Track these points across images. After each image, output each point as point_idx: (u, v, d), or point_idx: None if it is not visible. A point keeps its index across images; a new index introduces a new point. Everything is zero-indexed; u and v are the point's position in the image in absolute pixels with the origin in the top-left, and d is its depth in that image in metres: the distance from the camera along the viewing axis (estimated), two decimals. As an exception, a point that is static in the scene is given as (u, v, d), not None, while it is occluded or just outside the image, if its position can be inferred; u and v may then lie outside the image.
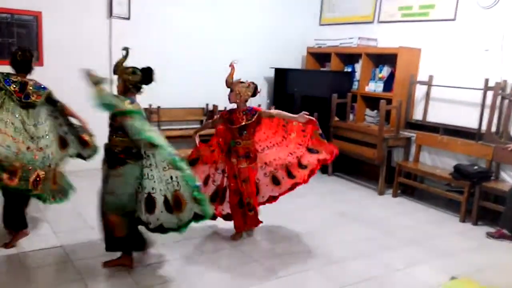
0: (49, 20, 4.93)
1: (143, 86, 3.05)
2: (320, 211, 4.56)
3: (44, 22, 4.91)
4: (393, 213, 4.66)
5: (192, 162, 3.72)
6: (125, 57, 3.03)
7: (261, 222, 3.74)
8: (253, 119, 3.50)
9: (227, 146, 3.60)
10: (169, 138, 5.55)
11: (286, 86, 6.49)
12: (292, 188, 3.83)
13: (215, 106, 5.97)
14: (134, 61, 5.80)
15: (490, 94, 4.65)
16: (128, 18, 5.35)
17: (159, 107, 5.52)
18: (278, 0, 6.58)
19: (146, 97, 5.43)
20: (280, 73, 6.55)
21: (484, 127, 4.69)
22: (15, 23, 4.82)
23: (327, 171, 5.96)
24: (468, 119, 4.92)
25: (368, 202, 4.98)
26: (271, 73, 6.62)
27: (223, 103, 5.74)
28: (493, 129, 4.65)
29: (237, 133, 3.51)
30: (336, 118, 5.79)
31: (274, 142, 3.79)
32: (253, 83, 3.56)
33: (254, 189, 3.65)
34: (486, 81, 4.66)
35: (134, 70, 2.99)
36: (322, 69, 6.65)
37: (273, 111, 3.72)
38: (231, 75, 3.54)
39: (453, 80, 5.07)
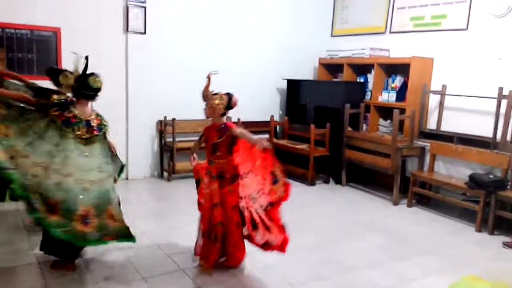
0: (68, 35, 5.07)
1: (97, 94, 3.11)
2: (335, 221, 4.56)
3: (63, 37, 5.06)
4: (408, 222, 4.63)
5: (197, 183, 3.44)
6: (85, 65, 3.11)
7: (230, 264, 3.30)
8: (224, 137, 3.13)
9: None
10: (183, 149, 5.72)
11: (299, 97, 6.54)
12: (261, 247, 3.21)
13: (228, 117, 6.04)
14: (150, 73, 5.94)
15: (504, 102, 4.62)
16: (144, 33, 5.48)
17: (173, 119, 5.61)
18: (290, 13, 6.68)
19: (161, 109, 5.65)
20: (293, 84, 6.61)
21: (499, 136, 4.66)
22: (34, 39, 4.97)
23: (340, 181, 5.96)
24: (483, 128, 4.89)
25: (383, 212, 4.96)
26: (284, 84, 6.68)
27: (237, 114, 5.84)
28: (508, 137, 4.61)
29: (211, 151, 3.19)
30: (349, 128, 5.80)
31: (249, 168, 3.23)
32: (228, 93, 3.20)
33: (230, 216, 3.19)
34: (500, 89, 4.63)
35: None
36: (334, 79, 6.69)
37: (238, 130, 3.16)
38: (206, 87, 3.30)
39: (467, 89, 5.06)
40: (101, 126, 3.15)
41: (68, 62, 5.06)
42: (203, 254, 3.26)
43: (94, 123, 3.10)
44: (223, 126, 3.17)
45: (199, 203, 3.38)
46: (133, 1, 5.34)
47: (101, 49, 5.24)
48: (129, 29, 5.38)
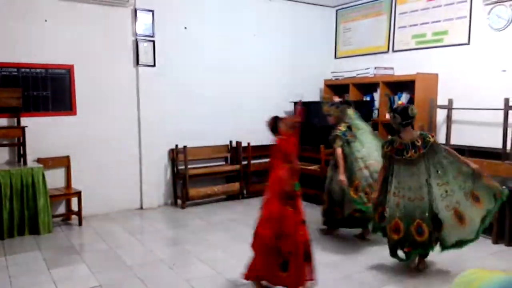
0: (81, 71, 5.24)
1: None
2: (348, 239, 4.56)
3: (76, 73, 5.23)
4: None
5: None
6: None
7: None
8: None
9: None
10: (196, 176, 5.78)
11: (306, 118, 6.60)
12: None
13: (238, 143, 6.14)
14: (161, 104, 6.02)
15: (511, 113, 4.66)
16: (154, 65, 5.65)
17: (185, 146, 5.71)
18: (294, 38, 6.84)
19: (172, 138, 5.76)
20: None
21: (509, 146, 4.68)
22: (49, 76, 5.14)
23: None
24: (492, 139, 4.92)
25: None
26: (291, 107, 6.77)
27: (247, 138, 5.95)
28: (519, 147, 4.63)
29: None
30: (359, 147, 5.83)
31: None
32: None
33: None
34: (506, 100, 4.68)
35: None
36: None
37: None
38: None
39: (473, 102, 5.11)
40: (425, 143, 3.54)
41: (81, 96, 5.26)
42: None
43: (418, 143, 3.52)
44: None
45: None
46: (142, 36, 5.54)
47: (113, 82, 5.41)
48: (139, 63, 5.55)
